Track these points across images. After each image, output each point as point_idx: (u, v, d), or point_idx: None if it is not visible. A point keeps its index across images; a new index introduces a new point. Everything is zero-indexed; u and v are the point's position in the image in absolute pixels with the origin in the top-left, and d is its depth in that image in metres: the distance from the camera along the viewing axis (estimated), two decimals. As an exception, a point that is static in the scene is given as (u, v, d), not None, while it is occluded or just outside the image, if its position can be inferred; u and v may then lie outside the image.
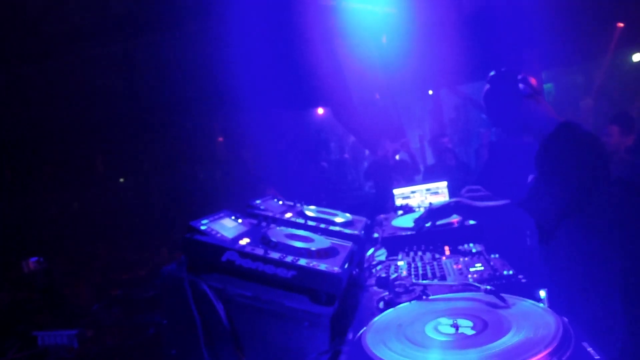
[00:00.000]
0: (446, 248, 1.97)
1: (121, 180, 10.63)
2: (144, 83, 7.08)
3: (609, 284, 1.72)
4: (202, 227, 1.56)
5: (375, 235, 2.36)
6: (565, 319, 0.97)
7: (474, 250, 1.87)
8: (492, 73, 2.06)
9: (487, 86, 2.06)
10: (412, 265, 1.76)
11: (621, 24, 6.39)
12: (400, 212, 2.76)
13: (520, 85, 1.96)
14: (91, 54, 6.42)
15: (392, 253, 2.06)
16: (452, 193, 2.99)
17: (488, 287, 1.15)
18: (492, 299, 1.12)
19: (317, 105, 7.64)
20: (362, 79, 5.71)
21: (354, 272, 1.77)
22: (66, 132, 8.01)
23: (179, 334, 1.50)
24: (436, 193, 3.02)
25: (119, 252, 6.38)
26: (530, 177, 2.03)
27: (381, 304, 1.30)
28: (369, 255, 2.16)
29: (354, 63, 5.56)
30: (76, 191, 9.13)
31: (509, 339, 0.93)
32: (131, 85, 7.12)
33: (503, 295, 1.11)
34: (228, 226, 1.68)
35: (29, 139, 7.75)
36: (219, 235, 1.56)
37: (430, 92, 7.87)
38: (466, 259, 1.76)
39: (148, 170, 10.07)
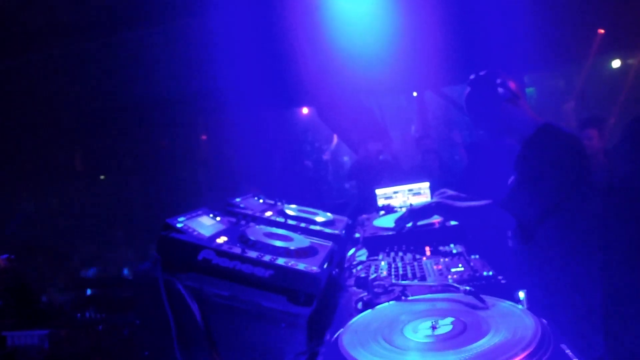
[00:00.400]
0: (427, 248, 1.96)
1: (102, 177, 10.47)
2: (126, 80, 6.97)
3: (589, 284, 1.73)
4: (179, 225, 1.52)
5: (357, 235, 2.35)
6: (544, 321, 0.96)
7: (454, 251, 1.86)
8: (472, 76, 2.07)
9: (468, 89, 2.07)
10: (393, 265, 1.74)
11: (602, 30, 6.49)
12: (382, 212, 2.75)
13: (500, 89, 1.97)
14: (73, 49, 6.31)
15: (373, 253, 2.04)
16: (434, 194, 2.99)
17: (467, 288, 1.13)
18: (471, 300, 1.10)
19: (301, 105, 7.61)
20: (346, 78, 5.70)
21: (334, 272, 1.74)
22: (46, 128, 7.86)
23: (152, 335, 1.46)
24: (418, 194, 3.01)
25: (97, 250, 6.26)
26: (511, 179, 2.04)
27: (360, 305, 1.28)
28: (350, 255, 2.14)
29: (339, 62, 5.54)
30: (55, 187, 8.97)
31: (487, 341, 0.91)
32: (113, 82, 7.01)
33: (482, 296, 1.10)
34: (206, 224, 1.65)
35: (8, 133, 7.58)
36: (195, 233, 1.52)
37: (415, 93, 7.90)
38: (447, 259, 1.75)
39: (129, 167, 9.92)
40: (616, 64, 7.80)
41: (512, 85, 1.99)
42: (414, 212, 1.95)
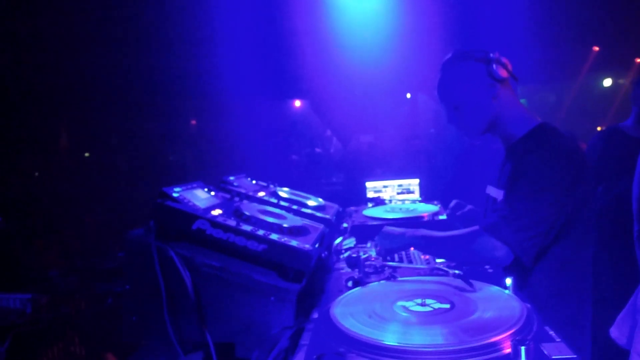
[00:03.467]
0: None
1: (86, 154, 10.34)
2: (118, 55, 6.88)
3: (581, 290, 1.48)
4: (175, 194, 1.54)
5: (345, 225, 2.37)
6: (529, 305, 1.00)
7: (441, 244, 1.89)
8: (448, 56, 1.62)
9: (440, 74, 1.64)
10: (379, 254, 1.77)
11: (597, 48, 6.62)
12: (370, 204, 2.79)
13: (494, 66, 1.52)
14: (63, 20, 6.18)
15: (361, 241, 2.06)
16: (423, 191, 3.03)
17: (457, 271, 1.17)
18: (459, 283, 1.14)
19: (296, 97, 7.62)
20: (342, 72, 5.74)
21: (323, 255, 1.77)
22: (33, 97, 7.72)
23: (141, 300, 1.47)
24: (407, 190, 3.05)
25: (78, 225, 6.20)
26: (491, 189, 1.72)
27: (350, 283, 1.30)
28: (337, 243, 2.17)
29: (337, 57, 5.57)
30: (38, 160, 8.82)
31: (474, 318, 0.94)
32: (105, 57, 6.91)
33: (470, 280, 1.13)
34: (200, 197, 1.66)
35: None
36: (190, 203, 1.53)
37: (409, 95, 7.97)
38: (434, 251, 1.78)
39: (115, 146, 9.81)
40: (607, 82, 7.96)
41: (502, 72, 1.53)
42: (387, 237, 1.56)
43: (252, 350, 1.37)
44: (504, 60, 1.55)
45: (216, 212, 1.54)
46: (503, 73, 1.52)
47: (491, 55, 1.53)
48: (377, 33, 5.64)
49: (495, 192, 1.65)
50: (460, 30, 5.65)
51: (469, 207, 1.99)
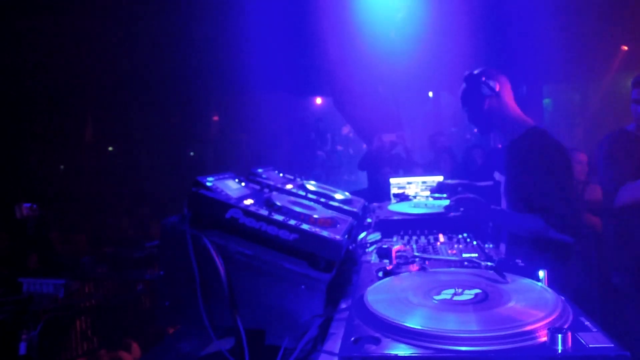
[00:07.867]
0: (440, 235, 2.00)
1: (110, 149, 10.54)
2: (144, 51, 6.98)
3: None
4: (208, 184, 1.57)
5: (369, 220, 2.39)
6: (563, 297, 1.00)
7: (468, 240, 1.90)
8: (466, 73, 2.23)
9: (463, 85, 2.24)
10: (407, 247, 1.78)
11: (625, 47, 6.49)
12: (394, 200, 2.80)
13: (484, 85, 2.13)
14: (93, 14, 6.29)
15: (387, 236, 2.08)
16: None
17: (489, 263, 1.18)
18: (492, 274, 1.15)
19: (320, 93, 7.64)
20: (366, 70, 5.73)
21: (351, 247, 1.79)
22: (60, 94, 7.89)
23: (174, 286, 1.51)
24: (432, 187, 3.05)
25: (102, 216, 6.34)
26: (498, 175, 2.23)
27: (380, 273, 1.32)
28: (362, 238, 2.19)
29: (361, 53, 5.57)
30: (64, 154, 9.02)
31: (509, 307, 0.96)
32: (129, 54, 7.01)
33: (503, 272, 1.14)
34: (232, 187, 1.69)
35: (22, 94, 7.60)
36: (224, 192, 1.57)
37: (430, 94, 7.93)
38: (461, 246, 1.79)
39: (139, 141, 9.96)
40: (635, 82, 7.77)
41: (496, 85, 2.13)
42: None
43: (282, 337, 1.40)
44: (493, 82, 2.13)
45: (248, 201, 1.57)
46: (488, 91, 2.13)
47: (482, 78, 2.14)
48: (401, 31, 5.62)
49: (498, 176, 2.27)
50: (485, 29, 5.60)
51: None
